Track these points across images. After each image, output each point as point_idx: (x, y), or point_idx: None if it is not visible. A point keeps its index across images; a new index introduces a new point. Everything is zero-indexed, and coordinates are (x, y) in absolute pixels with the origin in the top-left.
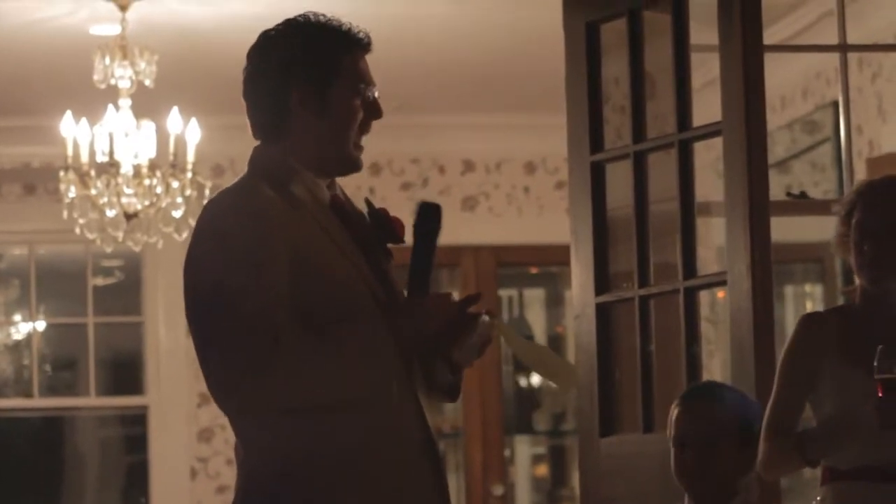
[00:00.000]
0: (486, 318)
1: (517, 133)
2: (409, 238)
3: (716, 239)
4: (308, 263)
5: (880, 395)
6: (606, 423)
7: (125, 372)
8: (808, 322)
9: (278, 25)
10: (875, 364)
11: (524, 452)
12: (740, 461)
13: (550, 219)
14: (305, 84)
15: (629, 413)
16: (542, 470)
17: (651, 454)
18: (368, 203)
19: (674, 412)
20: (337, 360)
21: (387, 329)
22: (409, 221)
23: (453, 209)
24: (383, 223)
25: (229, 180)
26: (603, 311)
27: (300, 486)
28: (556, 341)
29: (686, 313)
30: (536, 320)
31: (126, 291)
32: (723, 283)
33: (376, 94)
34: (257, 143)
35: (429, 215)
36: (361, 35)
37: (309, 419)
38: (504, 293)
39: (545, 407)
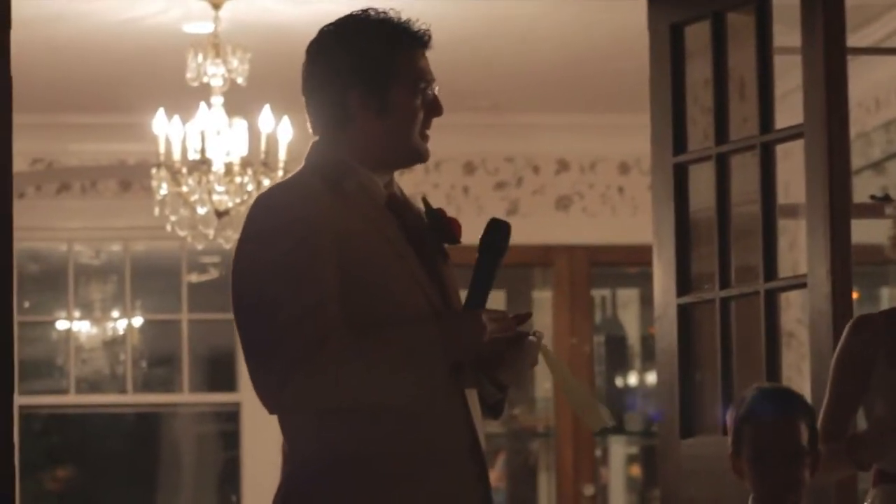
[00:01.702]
0: (533, 338)
1: (611, 133)
2: (466, 238)
3: (803, 241)
4: (356, 262)
5: None
6: (687, 425)
7: (219, 369)
8: (859, 324)
9: (337, 22)
10: None
11: (618, 452)
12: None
13: (644, 219)
14: (363, 85)
15: (710, 415)
16: (635, 470)
17: None
18: (426, 202)
19: (745, 418)
20: (383, 361)
21: (437, 333)
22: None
23: (547, 208)
24: (440, 223)
25: None
26: (684, 313)
27: (341, 487)
28: (649, 341)
29: (766, 315)
30: (630, 320)
31: (221, 288)
32: (803, 286)
33: (436, 91)
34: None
35: (497, 232)
36: (420, 32)
37: (353, 420)
38: (597, 293)
39: (638, 407)
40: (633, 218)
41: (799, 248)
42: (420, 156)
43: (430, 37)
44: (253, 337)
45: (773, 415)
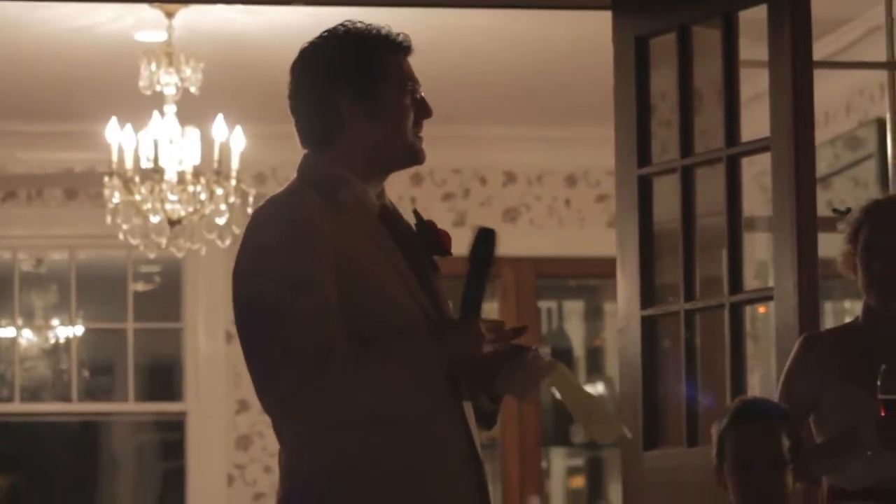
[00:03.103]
0: (545, 353)
1: (559, 145)
2: (455, 250)
3: (756, 254)
4: (354, 274)
5: (883, 414)
6: (650, 437)
7: (163, 378)
8: (809, 341)
9: (318, 37)
10: (878, 384)
11: (559, 465)
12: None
13: (591, 231)
14: (354, 89)
15: (673, 427)
16: (578, 482)
17: (695, 468)
18: (417, 214)
19: (727, 428)
20: (386, 374)
21: (434, 345)
22: (452, 234)
23: (494, 220)
24: (431, 235)
25: (272, 188)
26: (648, 325)
27: (343, 497)
28: (595, 354)
29: (731, 328)
30: (576, 333)
31: (164, 297)
32: (769, 299)
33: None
34: (305, 151)
35: (486, 241)
36: (402, 38)
37: (353, 431)
38: (543, 305)
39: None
40: (579, 230)
41: (749, 261)
42: (416, 154)
43: (409, 43)
44: (258, 347)
45: (753, 423)
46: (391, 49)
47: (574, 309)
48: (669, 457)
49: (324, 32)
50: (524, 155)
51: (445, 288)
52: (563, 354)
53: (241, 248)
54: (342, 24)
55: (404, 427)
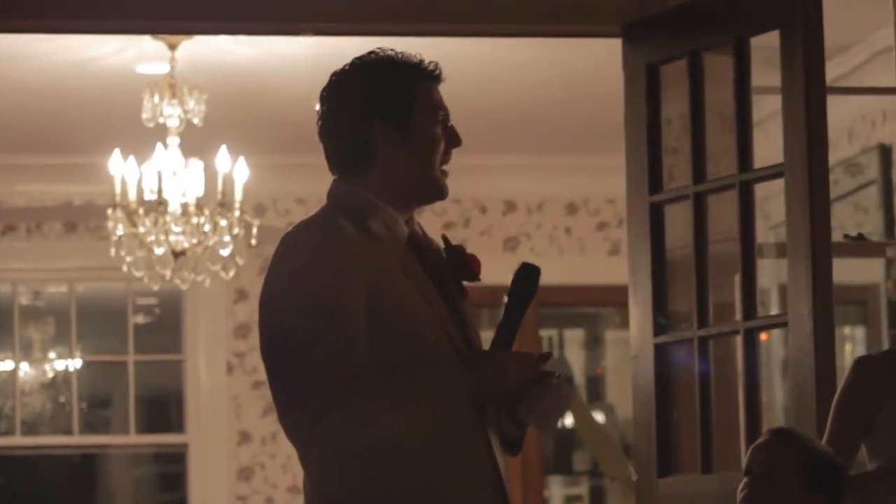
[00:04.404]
0: (561, 382)
1: (559, 174)
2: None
3: (759, 280)
4: (384, 301)
5: None
6: (664, 464)
7: (163, 410)
8: (863, 363)
9: (350, 63)
10: None
11: (558, 493)
12: (805, 502)
13: (591, 260)
14: (386, 116)
15: (687, 453)
16: None
17: (709, 494)
18: (445, 240)
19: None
20: (412, 403)
21: (464, 374)
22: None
23: (494, 250)
24: (461, 260)
25: (271, 219)
26: (661, 352)
27: None
28: (595, 382)
29: (746, 354)
30: (576, 361)
31: (162, 329)
32: (783, 325)
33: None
34: (334, 177)
35: (528, 277)
36: (433, 66)
37: (378, 458)
38: (544, 333)
39: (586, 447)
40: (580, 258)
41: None
42: (440, 190)
43: (440, 70)
44: (284, 374)
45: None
46: (423, 77)
47: (574, 337)
48: (684, 483)
49: (355, 59)
50: (524, 184)
51: (474, 313)
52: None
53: (268, 273)
54: (373, 52)
55: (429, 454)
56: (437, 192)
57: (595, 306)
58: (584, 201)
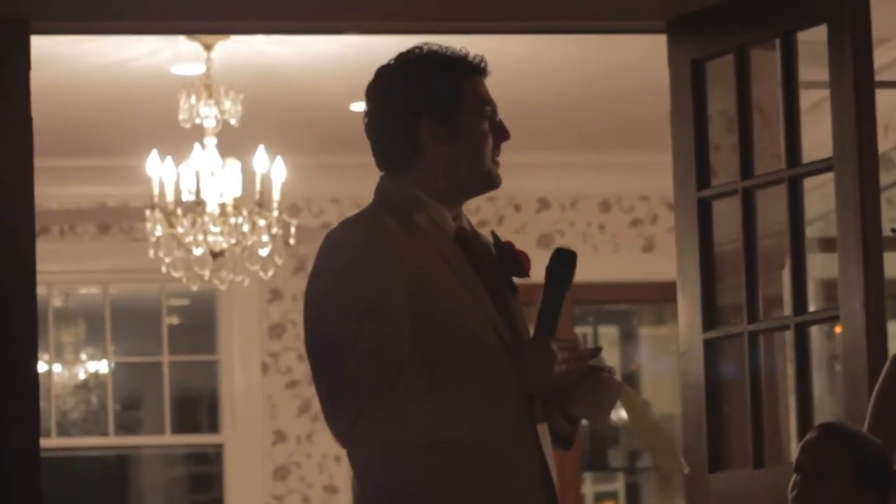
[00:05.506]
0: (611, 376)
1: (592, 171)
2: (535, 274)
3: None
4: (427, 297)
5: None
6: (716, 459)
7: (197, 410)
8: None
9: (395, 59)
10: None
11: (589, 491)
12: (856, 497)
13: (625, 256)
14: (433, 113)
15: (739, 448)
16: None
17: (761, 490)
18: (494, 236)
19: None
20: (456, 397)
21: (509, 366)
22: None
23: (528, 247)
24: (509, 256)
25: (305, 219)
26: (711, 347)
27: None
28: (630, 379)
29: (797, 349)
30: (610, 358)
31: (195, 330)
32: (835, 319)
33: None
34: (381, 174)
35: (564, 261)
36: (478, 59)
37: (423, 455)
38: (579, 330)
39: (622, 444)
40: (614, 255)
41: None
42: (492, 180)
43: (486, 64)
44: (327, 371)
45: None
46: (470, 72)
47: (609, 334)
48: (735, 479)
49: (400, 55)
50: (557, 181)
51: (523, 310)
52: None
53: (313, 271)
54: (418, 47)
55: (475, 450)
56: (489, 182)
57: (629, 303)
58: (618, 198)
